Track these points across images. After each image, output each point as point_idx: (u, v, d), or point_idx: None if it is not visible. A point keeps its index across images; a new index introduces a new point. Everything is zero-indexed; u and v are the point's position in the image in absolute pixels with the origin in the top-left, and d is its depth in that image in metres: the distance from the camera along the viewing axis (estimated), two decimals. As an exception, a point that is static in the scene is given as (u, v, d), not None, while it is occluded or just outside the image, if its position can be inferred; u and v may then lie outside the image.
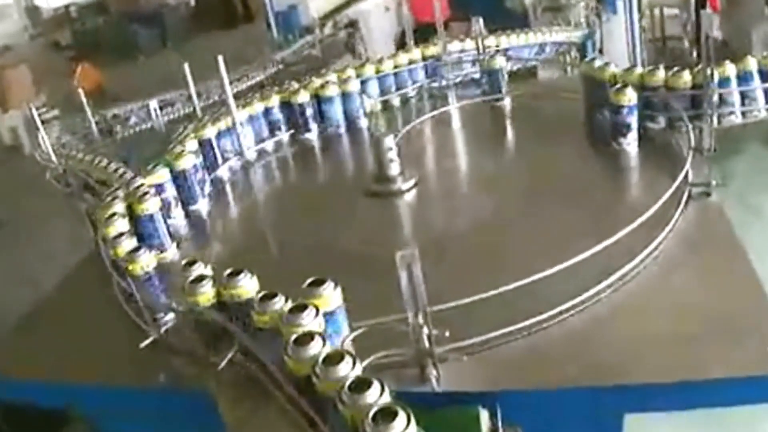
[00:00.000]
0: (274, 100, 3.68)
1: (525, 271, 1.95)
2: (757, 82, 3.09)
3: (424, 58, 4.00)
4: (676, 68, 3.00)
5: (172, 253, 2.69)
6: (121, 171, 3.02)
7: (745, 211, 5.17)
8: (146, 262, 2.18)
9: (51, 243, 5.81)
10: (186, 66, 3.51)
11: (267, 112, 3.67)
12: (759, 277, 2.13)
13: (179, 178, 2.99)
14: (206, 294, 1.94)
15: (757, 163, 6.03)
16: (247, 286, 1.89)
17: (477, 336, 1.94)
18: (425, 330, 1.78)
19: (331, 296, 1.79)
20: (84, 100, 3.99)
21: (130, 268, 2.17)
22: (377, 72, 3.88)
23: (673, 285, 2.15)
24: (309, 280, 1.81)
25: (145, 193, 2.65)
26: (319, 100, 3.70)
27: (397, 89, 3.96)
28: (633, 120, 2.89)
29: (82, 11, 19.27)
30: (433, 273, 1.75)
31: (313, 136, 3.70)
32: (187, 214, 3.02)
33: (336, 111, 3.69)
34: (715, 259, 2.25)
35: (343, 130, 3.70)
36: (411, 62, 3.99)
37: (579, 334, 1.99)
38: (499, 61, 3.73)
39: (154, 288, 2.21)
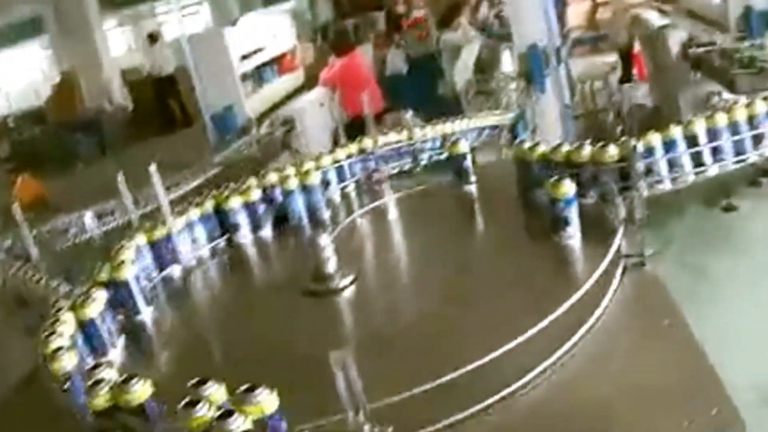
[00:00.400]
0: (208, 206, 3.68)
1: (465, 359, 1.96)
2: (682, 148, 3.19)
3: (358, 152, 4.04)
4: (601, 143, 3.08)
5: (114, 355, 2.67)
6: (57, 285, 3.00)
7: (689, 273, 5.24)
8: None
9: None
10: (120, 175, 3.51)
11: (204, 217, 3.67)
12: (697, 341, 2.16)
13: (119, 288, 2.96)
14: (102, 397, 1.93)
15: (698, 223, 6.14)
16: (142, 391, 1.88)
17: (421, 428, 1.92)
18: (366, 428, 1.76)
19: (266, 402, 1.77)
20: (20, 214, 3.95)
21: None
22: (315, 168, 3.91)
23: (612, 359, 2.16)
24: (242, 387, 1.78)
25: (88, 298, 2.64)
26: (267, 197, 3.73)
27: (327, 185, 3.97)
28: (572, 213, 2.80)
29: (19, 122, 19.23)
30: (373, 368, 1.75)
31: (265, 233, 3.71)
32: (128, 322, 2.97)
33: (298, 204, 3.72)
34: (652, 328, 2.27)
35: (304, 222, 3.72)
36: (338, 160, 4.02)
37: (523, 415, 1.99)
38: (463, 146, 3.76)
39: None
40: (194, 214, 3.62)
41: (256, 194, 3.69)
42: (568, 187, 2.79)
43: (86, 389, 1.97)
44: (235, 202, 3.66)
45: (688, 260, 5.36)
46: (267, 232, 3.71)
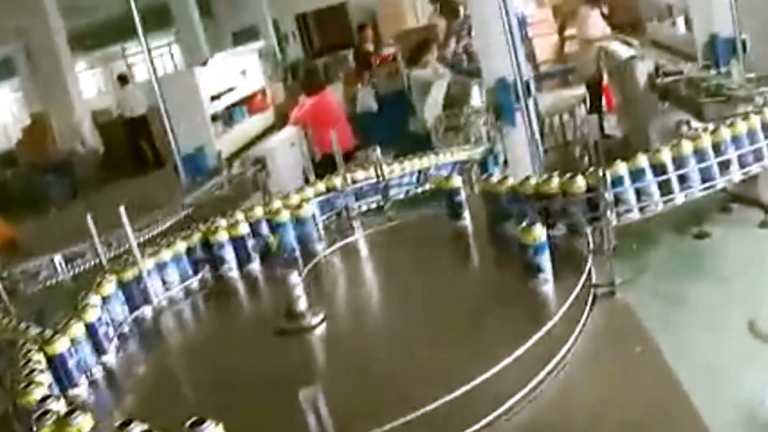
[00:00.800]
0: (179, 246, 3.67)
1: (435, 396, 1.95)
2: (649, 177, 3.21)
3: (327, 190, 4.04)
4: (569, 174, 3.09)
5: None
6: (26, 328, 2.97)
7: (662, 300, 5.26)
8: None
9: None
10: (89, 217, 3.49)
11: (176, 257, 3.65)
12: (670, 367, 2.16)
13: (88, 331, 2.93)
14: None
15: (670, 251, 6.17)
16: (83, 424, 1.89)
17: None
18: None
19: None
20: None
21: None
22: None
23: (585, 389, 2.15)
24: (190, 420, 1.77)
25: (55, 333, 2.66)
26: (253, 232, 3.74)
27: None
28: (543, 259, 2.69)
29: (-11, 164, 19.18)
30: (343, 406, 1.74)
31: (234, 273, 3.70)
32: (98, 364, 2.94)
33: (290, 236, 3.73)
34: (624, 356, 2.27)
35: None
36: (315, 195, 4.01)
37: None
38: (456, 181, 3.70)
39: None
40: (166, 254, 3.60)
41: (223, 235, 3.69)
42: (539, 233, 2.69)
43: (34, 420, 1.98)
44: (218, 238, 3.66)
45: (661, 288, 5.38)
46: (251, 266, 3.72)
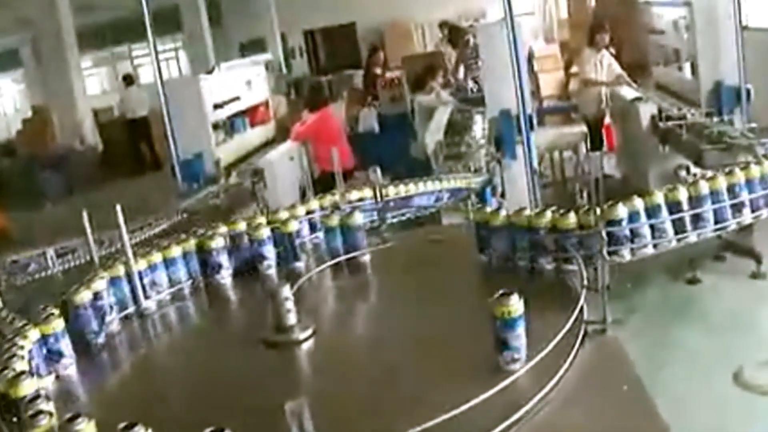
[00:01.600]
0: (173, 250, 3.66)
1: (420, 419, 1.94)
2: (643, 220, 3.22)
3: (322, 208, 4.04)
4: (562, 210, 3.10)
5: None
6: (11, 319, 2.97)
7: (653, 343, 5.26)
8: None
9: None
10: (84, 214, 3.48)
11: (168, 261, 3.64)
12: (656, 407, 2.16)
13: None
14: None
15: (662, 294, 6.18)
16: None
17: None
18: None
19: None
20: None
21: None
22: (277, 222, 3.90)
23: (570, 423, 2.14)
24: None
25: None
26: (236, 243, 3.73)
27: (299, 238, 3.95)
28: (517, 335, 2.37)
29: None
30: (327, 422, 1.73)
31: (227, 282, 3.69)
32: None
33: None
34: (611, 394, 2.27)
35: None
36: (308, 212, 4.01)
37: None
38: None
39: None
40: (158, 257, 3.59)
41: (218, 242, 3.68)
42: (516, 305, 2.38)
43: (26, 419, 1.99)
44: (211, 245, 3.66)
45: (650, 330, 5.38)
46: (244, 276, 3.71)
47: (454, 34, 13.63)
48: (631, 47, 11.60)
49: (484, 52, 8.02)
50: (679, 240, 3.32)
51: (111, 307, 3.25)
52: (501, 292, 2.38)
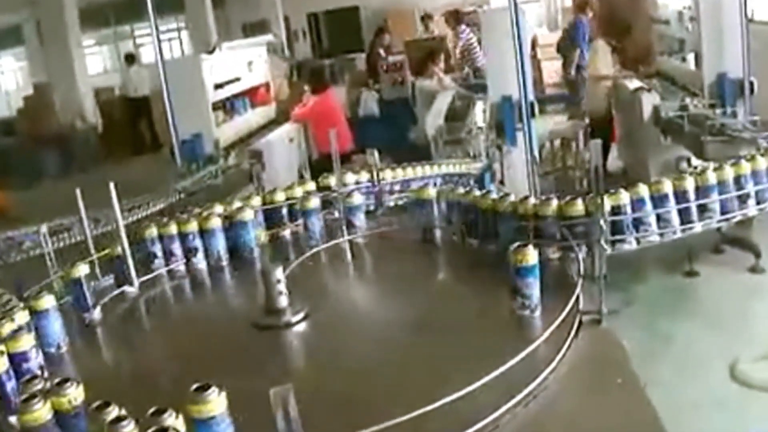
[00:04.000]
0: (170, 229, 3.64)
1: (412, 404, 1.92)
2: (649, 209, 3.19)
3: (319, 190, 4.00)
4: (568, 198, 3.07)
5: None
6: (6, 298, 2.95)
7: (649, 335, 5.24)
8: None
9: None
10: (78, 192, 3.45)
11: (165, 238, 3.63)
12: (648, 399, 2.14)
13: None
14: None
15: (659, 286, 6.16)
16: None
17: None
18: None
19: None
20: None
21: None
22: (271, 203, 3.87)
23: (562, 413, 2.13)
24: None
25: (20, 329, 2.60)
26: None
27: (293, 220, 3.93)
28: (529, 283, 2.58)
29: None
30: (315, 407, 1.71)
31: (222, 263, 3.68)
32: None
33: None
34: (604, 384, 2.25)
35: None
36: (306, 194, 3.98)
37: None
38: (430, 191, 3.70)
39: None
40: (151, 234, 3.58)
41: (216, 222, 3.66)
42: (531, 254, 2.60)
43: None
44: (193, 227, 3.62)
45: (646, 321, 5.36)
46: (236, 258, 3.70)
47: (450, 16, 13.56)
48: (638, 37, 11.53)
49: (488, 38, 7.99)
50: (684, 230, 3.29)
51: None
52: (518, 244, 2.60)
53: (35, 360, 2.50)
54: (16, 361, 2.45)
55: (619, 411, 2.13)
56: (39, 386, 2.05)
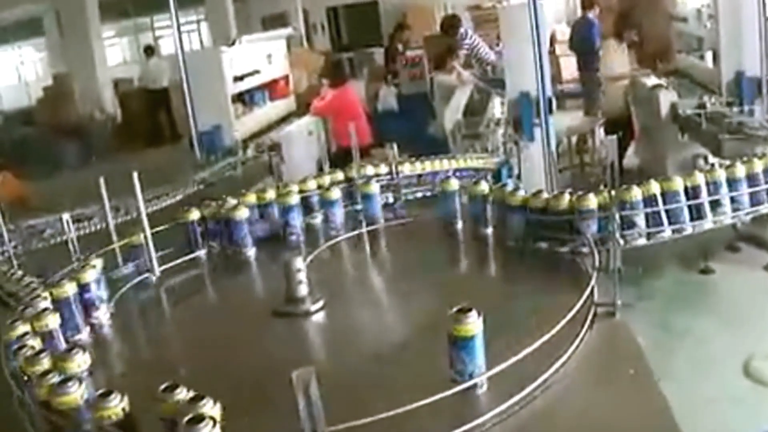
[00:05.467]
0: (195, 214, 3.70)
1: (427, 391, 1.96)
2: (661, 204, 3.21)
3: (338, 182, 4.05)
4: (580, 192, 3.10)
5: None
6: (31, 283, 3.00)
7: (663, 330, 5.26)
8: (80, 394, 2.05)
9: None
10: (101, 180, 3.51)
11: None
12: (661, 392, 2.17)
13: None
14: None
15: (675, 283, 6.17)
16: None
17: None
18: (324, 452, 1.74)
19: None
20: (1, 209, 3.95)
21: (59, 401, 2.02)
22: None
23: (574, 403, 2.17)
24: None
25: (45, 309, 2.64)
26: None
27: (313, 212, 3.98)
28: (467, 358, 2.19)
29: (7, 120, 19.24)
30: (335, 392, 1.75)
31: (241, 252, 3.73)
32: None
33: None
34: (617, 376, 2.29)
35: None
36: (322, 186, 4.03)
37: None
38: (454, 184, 3.74)
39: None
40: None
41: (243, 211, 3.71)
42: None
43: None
44: (229, 215, 3.70)
45: (660, 316, 5.38)
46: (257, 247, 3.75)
47: (446, 23, 13.42)
48: (657, 34, 11.50)
49: (505, 34, 8.00)
50: (695, 228, 3.31)
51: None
52: (458, 307, 2.20)
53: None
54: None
55: (631, 402, 2.17)
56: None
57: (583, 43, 11.48)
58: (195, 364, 2.61)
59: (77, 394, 1.97)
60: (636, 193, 3.16)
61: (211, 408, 1.80)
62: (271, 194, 3.88)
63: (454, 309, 2.10)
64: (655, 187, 3.20)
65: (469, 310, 2.11)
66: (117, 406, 1.91)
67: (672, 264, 6.30)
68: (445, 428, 1.99)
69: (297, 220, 3.81)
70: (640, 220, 3.17)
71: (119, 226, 3.80)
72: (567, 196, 3.12)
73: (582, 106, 11.57)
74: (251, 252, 3.71)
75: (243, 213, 3.70)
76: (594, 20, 11.22)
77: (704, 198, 3.29)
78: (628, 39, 9.70)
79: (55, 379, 2.04)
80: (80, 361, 2.16)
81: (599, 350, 2.41)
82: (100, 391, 1.94)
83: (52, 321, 2.61)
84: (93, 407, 1.92)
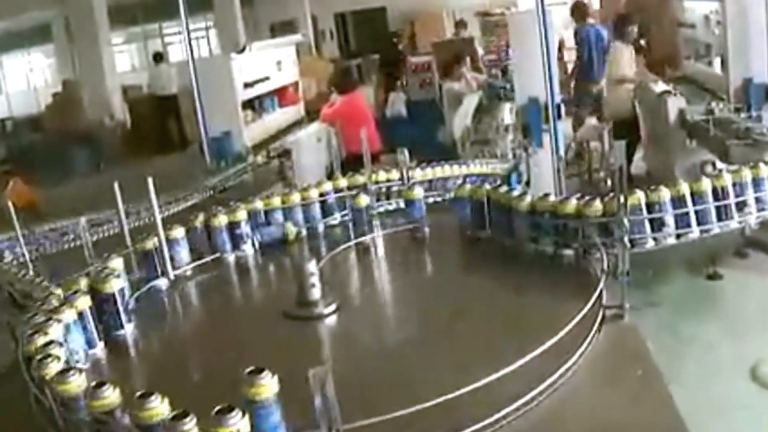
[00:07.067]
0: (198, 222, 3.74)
1: (438, 392, 2.00)
2: (668, 209, 3.24)
3: (349, 188, 4.08)
4: (588, 197, 3.13)
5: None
6: (44, 284, 3.04)
7: (670, 334, 5.26)
8: (78, 383, 2.12)
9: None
10: (116, 185, 3.54)
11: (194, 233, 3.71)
12: (669, 393, 2.20)
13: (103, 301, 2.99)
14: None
15: (682, 288, 6.16)
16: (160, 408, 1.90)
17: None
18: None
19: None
20: (13, 215, 3.98)
21: (60, 389, 2.11)
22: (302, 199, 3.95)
23: (581, 407, 2.20)
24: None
25: (63, 303, 2.70)
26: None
27: (324, 217, 4.01)
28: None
29: (17, 126, 19.33)
30: (349, 392, 1.78)
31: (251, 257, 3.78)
32: (107, 336, 2.99)
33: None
34: (624, 376, 2.32)
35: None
36: (337, 191, 4.06)
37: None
38: (417, 192, 3.85)
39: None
40: (180, 231, 3.67)
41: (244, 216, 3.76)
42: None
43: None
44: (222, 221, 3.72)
45: (666, 321, 5.38)
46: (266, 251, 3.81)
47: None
48: (664, 40, 11.51)
49: (514, 40, 8.03)
50: (702, 231, 3.33)
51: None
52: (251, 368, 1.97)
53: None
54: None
55: (639, 404, 2.19)
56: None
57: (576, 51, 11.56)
58: (209, 370, 2.65)
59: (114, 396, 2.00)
60: (641, 198, 3.18)
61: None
62: (296, 197, 3.97)
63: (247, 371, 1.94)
64: (664, 193, 3.22)
65: (262, 370, 1.92)
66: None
67: (680, 269, 6.30)
68: (456, 428, 2.02)
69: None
70: (669, 220, 3.20)
71: (131, 231, 3.84)
72: (575, 201, 3.15)
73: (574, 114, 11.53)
74: (269, 256, 3.76)
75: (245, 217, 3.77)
76: (585, 30, 11.25)
77: (710, 203, 3.31)
78: (632, 37, 9.70)
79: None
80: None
81: (608, 353, 2.44)
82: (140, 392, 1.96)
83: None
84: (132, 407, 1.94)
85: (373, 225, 3.93)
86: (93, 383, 2.03)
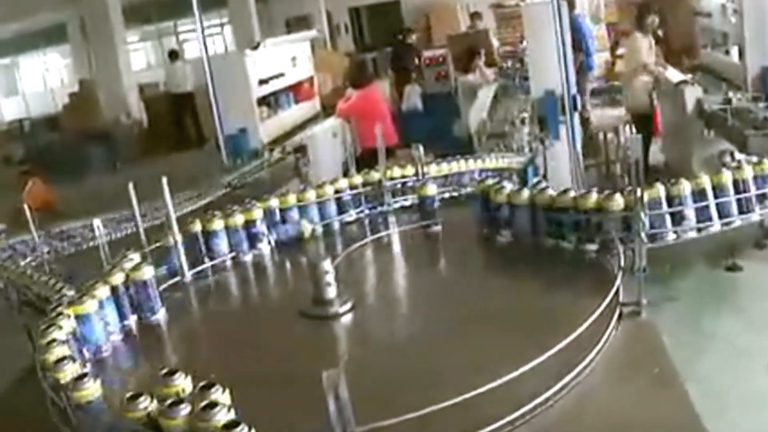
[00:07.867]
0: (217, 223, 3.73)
1: (455, 391, 1.98)
2: (689, 202, 3.20)
3: (365, 184, 4.07)
4: (608, 191, 3.10)
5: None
6: (60, 286, 3.05)
7: (689, 329, 5.24)
8: (92, 390, 2.12)
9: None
10: (131, 186, 3.54)
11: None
12: (686, 391, 2.18)
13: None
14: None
15: (702, 281, 6.15)
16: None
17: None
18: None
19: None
20: (29, 216, 3.99)
21: (76, 396, 2.10)
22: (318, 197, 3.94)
23: (598, 405, 2.18)
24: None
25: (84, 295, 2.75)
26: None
27: (339, 214, 4.00)
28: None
29: (35, 127, 19.46)
30: (363, 393, 1.77)
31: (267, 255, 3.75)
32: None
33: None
34: (643, 377, 2.29)
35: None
36: (351, 188, 4.04)
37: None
38: (431, 189, 3.81)
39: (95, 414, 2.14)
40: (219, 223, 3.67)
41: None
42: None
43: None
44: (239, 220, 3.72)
45: (686, 315, 5.36)
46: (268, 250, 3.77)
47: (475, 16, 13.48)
48: (682, 30, 11.44)
49: (529, 32, 8.01)
50: (723, 224, 3.28)
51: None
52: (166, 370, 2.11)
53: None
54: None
55: (656, 401, 2.17)
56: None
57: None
58: (225, 369, 2.64)
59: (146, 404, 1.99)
60: (661, 191, 3.14)
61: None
62: (311, 194, 3.94)
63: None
64: (682, 186, 3.18)
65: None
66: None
67: (698, 262, 6.28)
68: (473, 427, 2.01)
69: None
70: (690, 213, 3.16)
71: (148, 230, 3.84)
72: (594, 195, 3.12)
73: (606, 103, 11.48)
74: (285, 254, 3.75)
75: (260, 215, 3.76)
76: (579, 18, 11.18)
77: (731, 196, 3.26)
78: (651, 27, 9.63)
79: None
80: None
81: (625, 350, 2.42)
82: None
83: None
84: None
85: (388, 222, 3.93)
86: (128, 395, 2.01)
